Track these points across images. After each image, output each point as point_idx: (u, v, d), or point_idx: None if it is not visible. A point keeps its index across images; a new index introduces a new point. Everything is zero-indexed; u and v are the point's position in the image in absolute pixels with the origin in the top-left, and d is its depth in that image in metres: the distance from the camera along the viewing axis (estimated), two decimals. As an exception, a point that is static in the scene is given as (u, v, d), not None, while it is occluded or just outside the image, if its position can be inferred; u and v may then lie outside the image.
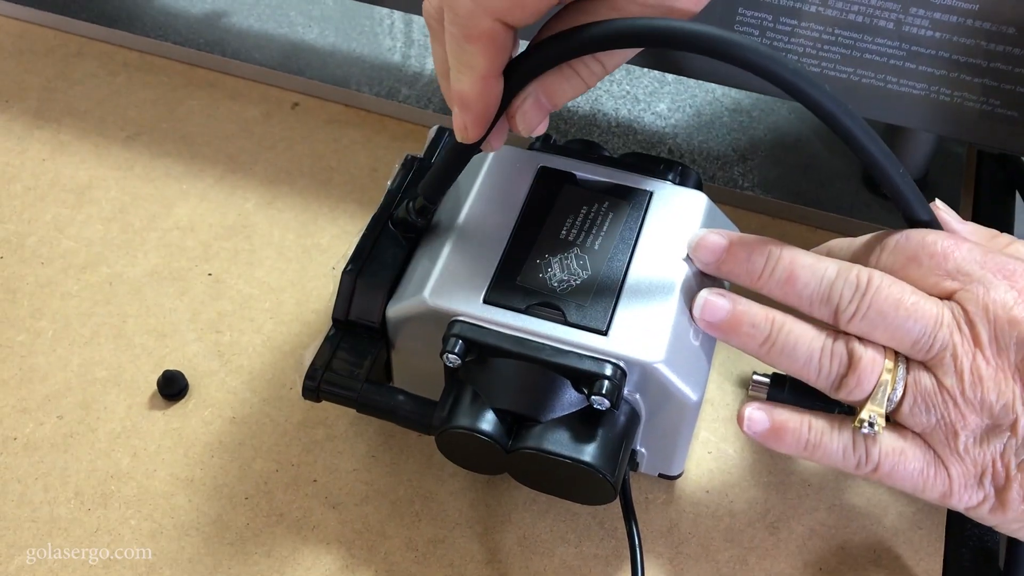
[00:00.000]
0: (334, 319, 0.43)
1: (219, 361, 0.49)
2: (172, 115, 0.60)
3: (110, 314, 0.51)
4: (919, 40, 0.46)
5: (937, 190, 0.55)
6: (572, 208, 0.43)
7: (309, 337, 0.50)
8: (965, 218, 0.55)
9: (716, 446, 0.46)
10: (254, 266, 0.53)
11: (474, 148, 0.40)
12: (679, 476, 0.45)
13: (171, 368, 0.48)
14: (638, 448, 0.43)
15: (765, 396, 0.47)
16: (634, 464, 0.43)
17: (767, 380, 0.41)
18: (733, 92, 0.60)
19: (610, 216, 0.43)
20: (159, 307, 0.51)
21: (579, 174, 0.45)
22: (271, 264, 0.53)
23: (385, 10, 0.64)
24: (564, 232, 0.43)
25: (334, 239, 0.54)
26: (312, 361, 0.42)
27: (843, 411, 0.40)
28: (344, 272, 0.42)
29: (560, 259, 0.42)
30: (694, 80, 0.59)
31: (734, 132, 0.58)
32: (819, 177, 0.56)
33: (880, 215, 0.54)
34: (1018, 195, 0.57)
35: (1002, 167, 0.58)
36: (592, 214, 0.43)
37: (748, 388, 0.47)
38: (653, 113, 0.59)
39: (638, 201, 0.44)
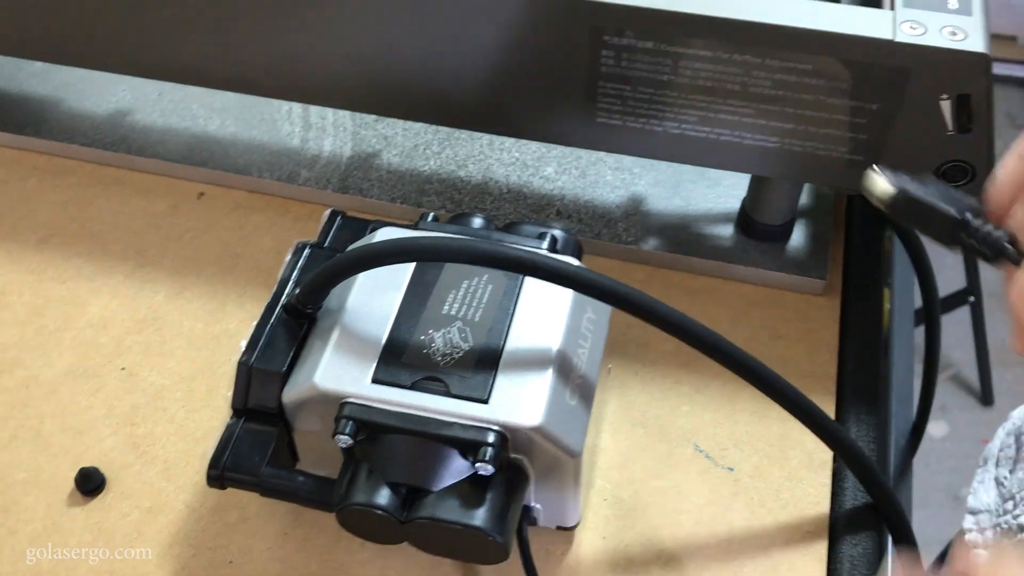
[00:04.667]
0: (234, 408, 0.45)
1: (134, 453, 0.51)
2: (82, 215, 0.62)
3: (27, 416, 0.53)
4: (765, 98, 0.50)
5: (809, 227, 0.59)
6: (454, 283, 0.46)
7: (220, 422, 0.51)
8: (836, 252, 0.58)
9: (611, 493, 0.49)
10: (165, 357, 0.55)
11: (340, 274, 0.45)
12: (576, 526, 0.47)
13: (87, 465, 0.50)
14: (533, 504, 0.45)
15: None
16: (532, 519, 0.46)
17: None
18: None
19: (489, 288, 0.46)
20: (75, 405, 0.53)
21: (459, 250, 0.47)
22: (182, 354, 0.55)
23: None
24: (447, 307, 0.45)
25: (241, 324, 0.56)
26: (214, 451, 0.44)
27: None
28: (239, 363, 0.44)
29: (443, 333, 0.44)
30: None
31: (617, 189, 0.61)
32: (697, 225, 0.59)
33: (756, 258, 0.57)
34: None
35: (869, 203, 0.61)
36: (472, 287, 0.46)
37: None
38: (541, 177, 0.62)
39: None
